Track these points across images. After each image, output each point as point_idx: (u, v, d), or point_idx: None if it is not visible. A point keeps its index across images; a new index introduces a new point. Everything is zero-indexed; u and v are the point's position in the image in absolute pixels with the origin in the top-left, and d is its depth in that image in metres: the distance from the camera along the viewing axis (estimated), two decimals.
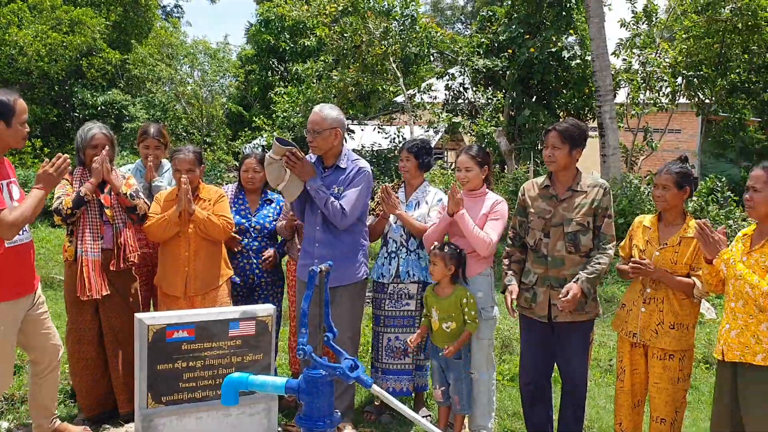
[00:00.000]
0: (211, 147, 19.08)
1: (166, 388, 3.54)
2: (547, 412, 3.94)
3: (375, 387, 2.15)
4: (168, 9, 30.67)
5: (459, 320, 3.90)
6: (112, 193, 4.12)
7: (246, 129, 20.38)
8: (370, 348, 5.40)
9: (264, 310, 3.81)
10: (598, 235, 3.68)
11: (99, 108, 18.69)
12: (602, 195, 3.68)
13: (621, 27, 14.56)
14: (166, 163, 4.74)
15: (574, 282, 3.56)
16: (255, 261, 4.56)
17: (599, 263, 3.60)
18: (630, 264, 3.62)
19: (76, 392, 4.30)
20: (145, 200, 4.24)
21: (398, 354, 4.30)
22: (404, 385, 4.31)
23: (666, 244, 3.59)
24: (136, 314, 3.57)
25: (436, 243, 3.98)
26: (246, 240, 4.56)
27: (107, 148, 4.13)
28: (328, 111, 3.99)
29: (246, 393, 2.88)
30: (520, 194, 3.96)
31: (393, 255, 4.35)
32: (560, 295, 3.54)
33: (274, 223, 4.65)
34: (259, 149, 17.34)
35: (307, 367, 2.17)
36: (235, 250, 4.52)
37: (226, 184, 15.25)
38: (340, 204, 3.90)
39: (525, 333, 3.95)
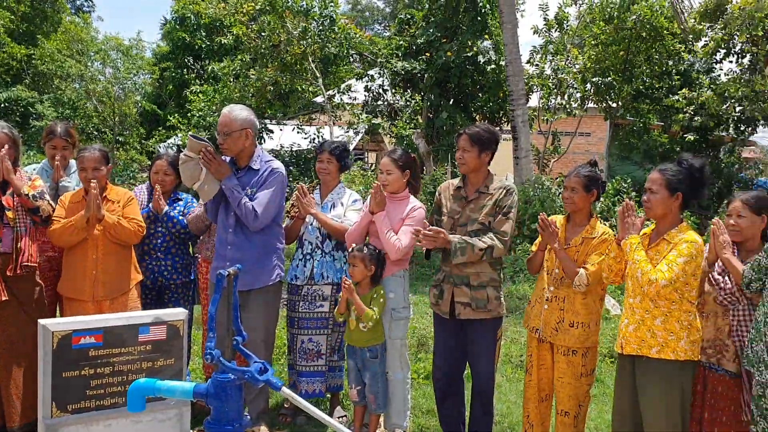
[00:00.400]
0: (124, 146, 18.49)
1: (72, 396, 3.42)
2: (459, 408, 4.05)
3: (285, 389, 2.16)
4: (78, 2, 29.47)
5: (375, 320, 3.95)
6: (14, 194, 3.95)
7: (160, 128, 19.86)
8: (286, 350, 5.40)
9: (175, 314, 3.73)
10: None
11: (2, 105, 17.77)
12: (504, 195, 3.81)
13: (534, 33, 15.03)
14: (74, 164, 4.58)
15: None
16: (164, 262, 4.47)
17: (480, 239, 3.71)
18: (540, 217, 3.73)
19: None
20: (50, 201, 4.08)
21: (311, 356, 4.31)
22: (317, 387, 4.32)
23: (569, 244, 3.75)
24: (39, 320, 3.43)
25: (354, 245, 4.00)
26: (155, 241, 4.45)
27: (7, 147, 3.95)
28: (238, 112, 3.94)
29: (156, 399, 2.83)
30: (437, 194, 4.07)
31: (308, 257, 4.35)
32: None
33: (182, 218, 4.54)
34: (174, 149, 16.94)
35: (216, 371, 2.16)
36: (158, 211, 4.38)
37: (140, 184, 14.81)
38: (252, 205, 3.87)
39: (437, 328, 4.06)
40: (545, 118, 14.77)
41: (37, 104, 17.71)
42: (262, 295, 4.00)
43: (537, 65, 14.88)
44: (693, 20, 12.91)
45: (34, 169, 4.55)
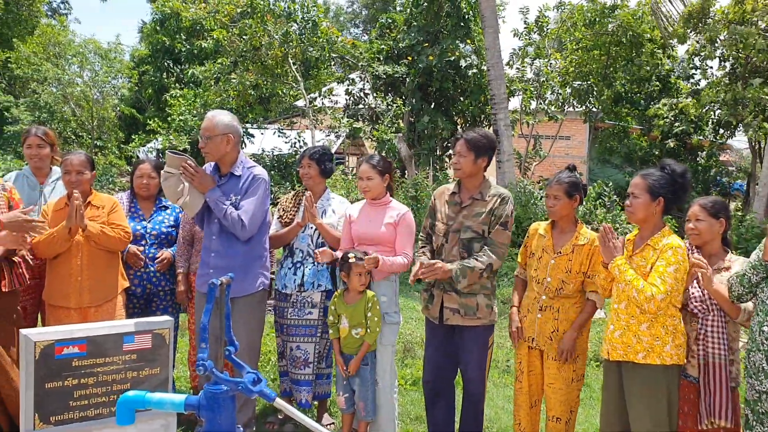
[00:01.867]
0: (103, 151, 18.29)
1: (55, 407, 3.33)
2: (448, 413, 4.01)
3: (278, 400, 2.11)
4: (54, 5, 29.15)
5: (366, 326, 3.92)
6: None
7: (140, 132, 19.68)
8: (272, 357, 5.34)
9: (161, 322, 3.66)
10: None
11: None
12: (499, 203, 3.79)
13: (514, 36, 15.11)
14: (57, 171, 4.50)
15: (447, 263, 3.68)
16: (153, 269, 4.40)
17: (477, 259, 3.69)
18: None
19: None
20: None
21: (299, 364, 4.25)
22: (303, 396, 4.25)
23: (560, 252, 3.73)
24: (21, 330, 3.34)
25: (351, 253, 3.92)
26: (142, 248, 4.39)
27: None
28: (221, 117, 3.88)
29: (142, 410, 2.77)
30: (432, 198, 4.05)
31: (298, 265, 4.30)
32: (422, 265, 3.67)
33: (171, 228, 4.51)
34: (154, 153, 16.79)
35: (208, 382, 2.11)
36: (136, 266, 4.35)
37: (119, 190, 14.59)
38: (239, 215, 3.81)
39: (427, 332, 4.03)
40: (525, 121, 14.83)
41: (12, 108, 17.44)
42: (246, 304, 3.92)
43: (518, 68, 14.94)
44: (675, 24, 13.07)
45: (11, 177, 4.47)
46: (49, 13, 26.57)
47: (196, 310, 4.16)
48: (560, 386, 3.69)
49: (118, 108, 19.11)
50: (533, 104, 14.87)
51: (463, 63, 14.73)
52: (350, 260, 3.88)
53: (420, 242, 4.05)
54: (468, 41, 15.17)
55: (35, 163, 4.39)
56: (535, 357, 3.81)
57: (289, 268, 4.31)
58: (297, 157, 16.54)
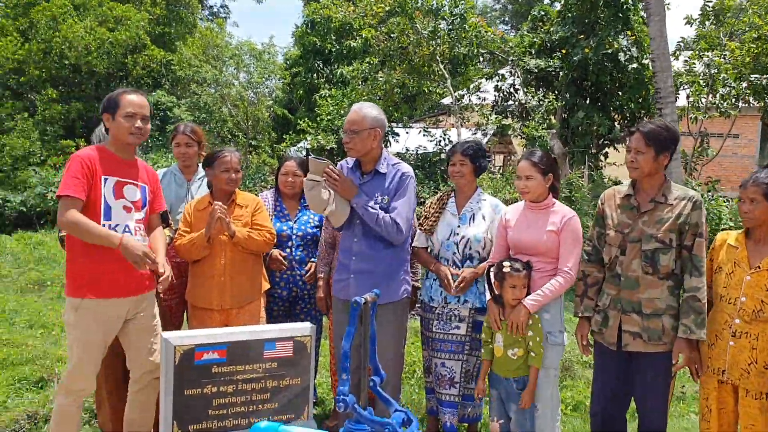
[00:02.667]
0: (256, 150, 18.93)
1: (194, 415, 3.20)
2: None
3: None
4: (215, 9, 30.81)
5: (526, 347, 3.47)
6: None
7: (291, 132, 20.19)
8: (416, 369, 5.01)
9: (302, 329, 3.44)
10: (684, 257, 3.22)
11: None
12: (691, 209, 3.21)
13: (686, 24, 13.84)
14: (201, 171, 4.43)
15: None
16: (299, 272, 4.21)
17: (698, 296, 3.16)
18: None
19: (100, 413, 3.99)
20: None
21: (444, 383, 3.85)
22: (448, 418, 3.85)
23: (759, 267, 3.10)
24: (162, 333, 3.25)
25: (507, 263, 3.50)
26: (288, 249, 4.21)
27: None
28: (368, 110, 3.59)
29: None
30: (599, 202, 3.53)
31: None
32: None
33: (316, 228, 4.30)
34: (303, 152, 17.12)
35: (349, 419, 1.79)
36: (279, 270, 4.17)
37: (269, 188, 15.03)
38: (392, 218, 3.50)
39: (597, 358, 3.51)
40: (694, 117, 13.54)
41: (174, 108, 18.47)
42: (390, 312, 3.61)
43: (686, 60, 13.67)
44: None
45: (162, 174, 4.46)
46: (210, 17, 28.08)
47: (334, 321, 3.86)
48: (763, 429, 3.05)
49: (272, 108, 19.69)
50: (703, 99, 13.54)
51: (621, 55, 13.72)
52: (505, 269, 3.45)
53: (584, 261, 3.51)
54: (627, 32, 14.12)
55: (183, 162, 4.35)
56: (726, 393, 3.20)
57: (435, 279, 3.92)
58: (442, 155, 16.25)
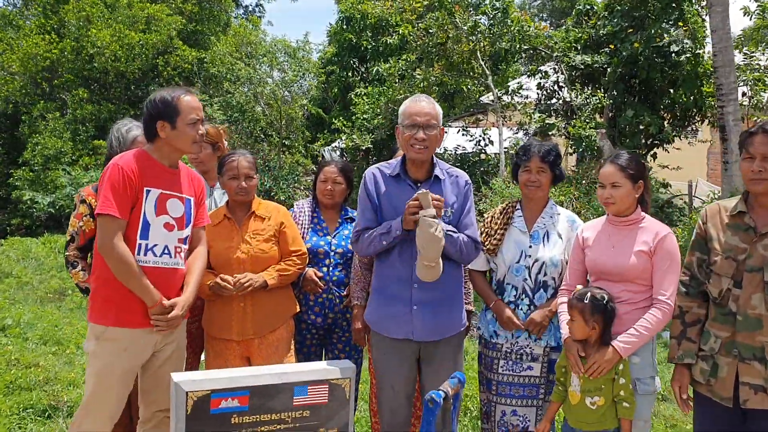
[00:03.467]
0: (290, 150, 18.47)
1: None
2: None
3: None
4: (249, 8, 30.48)
5: (610, 395, 2.84)
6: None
7: (325, 131, 19.73)
8: (469, 405, 4.42)
9: (340, 370, 2.89)
10: None
11: None
12: None
13: (744, 15, 13.00)
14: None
15: None
16: (337, 295, 3.62)
17: None
18: None
19: None
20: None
21: None
22: None
23: None
24: (172, 374, 2.72)
25: (578, 288, 2.91)
26: (324, 268, 3.62)
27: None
28: (437, 105, 3.09)
29: None
30: (700, 221, 2.85)
31: (510, 305, 3.23)
32: None
33: None
34: (338, 152, 16.64)
35: None
36: (314, 293, 3.61)
37: (304, 189, 14.41)
38: (470, 237, 3.00)
39: (700, 416, 2.84)
40: (756, 117, 12.69)
41: (207, 107, 18.05)
42: (452, 346, 3.09)
43: (746, 54, 12.81)
44: None
45: None
46: (244, 16, 27.75)
47: (379, 360, 3.16)
48: None
49: (306, 107, 19.22)
50: (765, 96, 12.68)
51: (674, 49, 12.89)
52: (584, 301, 2.84)
53: (681, 295, 2.85)
54: (680, 24, 13.30)
55: (198, 167, 3.81)
56: None
57: None
58: (481, 155, 15.63)
